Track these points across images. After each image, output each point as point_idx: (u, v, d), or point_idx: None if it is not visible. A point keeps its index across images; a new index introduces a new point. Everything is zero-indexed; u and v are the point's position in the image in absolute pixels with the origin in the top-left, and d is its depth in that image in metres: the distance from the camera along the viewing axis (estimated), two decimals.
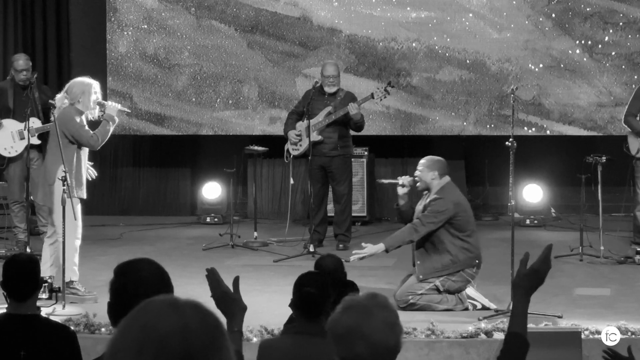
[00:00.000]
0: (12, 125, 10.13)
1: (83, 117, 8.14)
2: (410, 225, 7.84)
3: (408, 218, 8.05)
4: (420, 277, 7.84)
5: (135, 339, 1.80)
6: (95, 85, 8.23)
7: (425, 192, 7.99)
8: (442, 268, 7.81)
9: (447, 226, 7.79)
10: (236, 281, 3.49)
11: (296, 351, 4.46)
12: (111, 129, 8.29)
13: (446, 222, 7.78)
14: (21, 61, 10.30)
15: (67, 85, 8.33)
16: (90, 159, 8.48)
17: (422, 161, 7.99)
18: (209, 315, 1.86)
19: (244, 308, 3.38)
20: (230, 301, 3.39)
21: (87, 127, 8.14)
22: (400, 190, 8.10)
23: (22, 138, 9.87)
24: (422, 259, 7.88)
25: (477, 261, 7.89)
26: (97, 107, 8.25)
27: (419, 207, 7.99)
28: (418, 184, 7.98)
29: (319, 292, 4.67)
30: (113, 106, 8.37)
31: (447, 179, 7.95)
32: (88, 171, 8.42)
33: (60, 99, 8.19)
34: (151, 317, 1.82)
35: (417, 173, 7.98)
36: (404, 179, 8.11)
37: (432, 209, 7.80)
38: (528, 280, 3.28)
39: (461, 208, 7.86)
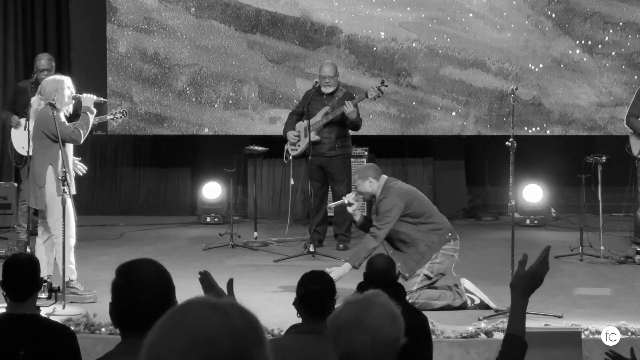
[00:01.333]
0: (30, 124, 10.12)
1: (61, 113, 8.13)
2: (368, 234, 7.91)
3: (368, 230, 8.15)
4: (407, 275, 7.87)
5: (184, 340, 1.78)
6: (67, 80, 8.25)
7: (373, 199, 8.07)
8: (422, 257, 7.86)
9: (404, 219, 7.87)
10: (230, 283, 3.48)
11: (302, 350, 4.44)
12: (91, 120, 8.28)
13: (402, 216, 7.84)
14: (43, 61, 10.33)
15: (39, 87, 8.36)
16: (78, 154, 8.47)
17: (354, 175, 8.14)
18: (249, 313, 1.86)
19: None
20: None
21: (66, 123, 8.14)
22: (350, 209, 8.21)
23: None
24: (401, 259, 7.90)
25: (449, 234, 7.93)
26: (73, 101, 8.26)
27: (373, 215, 8.06)
28: (362, 197, 8.08)
29: (324, 290, 4.66)
30: (88, 97, 8.37)
31: (383, 178, 8.05)
32: (77, 166, 8.42)
33: (36, 101, 8.22)
34: (196, 318, 1.81)
35: (357, 188, 8.10)
36: (348, 197, 8.23)
37: (380, 211, 7.90)
38: (526, 282, 3.28)
39: (408, 197, 7.93)
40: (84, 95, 8.38)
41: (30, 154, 10.10)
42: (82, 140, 8.19)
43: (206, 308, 1.84)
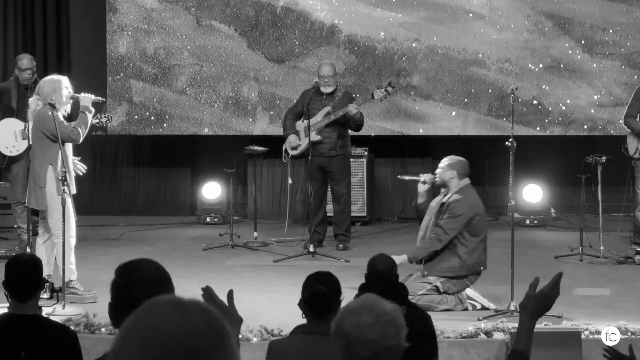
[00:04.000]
0: (15, 124, 10.12)
1: (59, 113, 8.14)
2: (434, 236, 7.79)
3: (424, 216, 8.07)
4: (425, 272, 7.86)
5: (140, 339, 1.79)
6: (65, 80, 8.26)
7: (443, 190, 7.98)
8: (449, 269, 7.81)
9: (462, 233, 7.79)
10: (230, 295, 3.52)
11: (307, 351, 4.45)
12: (90, 119, 8.27)
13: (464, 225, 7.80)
14: (25, 60, 10.33)
15: (37, 87, 8.36)
16: (78, 154, 8.47)
17: (444, 159, 8.00)
18: (213, 315, 1.86)
19: (239, 320, 3.42)
20: (226, 315, 3.42)
21: (65, 123, 8.14)
22: (421, 188, 8.10)
23: (25, 138, 9.87)
24: (432, 257, 7.88)
25: (482, 268, 7.89)
26: (71, 101, 8.26)
27: (433, 203, 7.97)
28: (437, 180, 7.98)
29: (329, 291, 4.66)
30: (87, 97, 8.37)
31: (466, 181, 7.91)
32: (77, 166, 8.42)
33: (34, 101, 8.22)
34: (156, 317, 1.82)
35: (437, 170, 8.00)
36: (425, 176, 8.09)
37: (450, 213, 7.76)
38: (536, 304, 3.31)
39: (478, 211, 7.84)
40: (82, 94, 8.38)
41: (15, 154, 10.14)
42: (81, 140, 8.19)
43: (167, 308, 1.83)
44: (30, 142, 8.34)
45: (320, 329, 4.52)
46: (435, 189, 8.20)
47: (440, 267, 7.84)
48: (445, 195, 7.93)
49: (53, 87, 8.16)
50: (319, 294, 4.61)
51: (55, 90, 8.14)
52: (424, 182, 8.06)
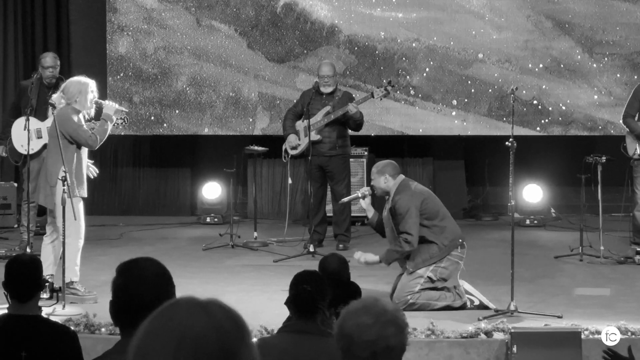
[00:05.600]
0: (31, 122, 10.11)
1: (80, 116, 8.14)
2: (402, 240, 7.87)
3: (381, 228, 8.17)
4: (411, 270, 7.89)
5: (170, 340, 1.79)
6: (92, 84, 8.23)
7: (387, 196, 8.09)
8: (431, 257, 7.88)
9: (420, 221, 7.88)
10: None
11: (293, 349, 4.47)
12: (109, 128, 8.29)
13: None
14: (48, 58, 10.33)
15: (63, 85, 8.34)
16: (90, 158, 8.48)
17: (372, 169, 8.23)
18: (234, 312, 1.87)
19: None
20: None
21: (85, 127, 8.14)
22: (363, 203, 8.34)
23: (40, 137, 9.86)
24: (411, 254, 7.93)
25: (460, 240, 7.95)
26: (94, 105, 8.25)
27: (385, 213, 8.08)
28: (376, 191, 8.14)
29: (315, 290, 4.68)
30: (110, 105, 8.37)
31: (400, 177, 8.10)
32: (89, 169, 8.42)
33: (57, 99, 8.19)
34: (183, 318, 1.82)
35: (371, 182, 8.20)
36: (361, 191, 8.37)
37: (400, 212, 7.90)
38: None
39: (422, 197, 7.96)
40: (106, 102, 8.40)
41: (30, 152, 10.14)
42: (97, 147, 8.21)
43: (193, 308, 1.84)
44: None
45: (306, 328, 4.55)
46: (381, 199, 8.33)
47: (422, 259, 7.91)
48: (389, 201, 8.03)
49: (79, 89, 8.15)
50: (303, 294, 4.63)
51: (81, 92, 8.13)
52: (363, 197, 8.30)
